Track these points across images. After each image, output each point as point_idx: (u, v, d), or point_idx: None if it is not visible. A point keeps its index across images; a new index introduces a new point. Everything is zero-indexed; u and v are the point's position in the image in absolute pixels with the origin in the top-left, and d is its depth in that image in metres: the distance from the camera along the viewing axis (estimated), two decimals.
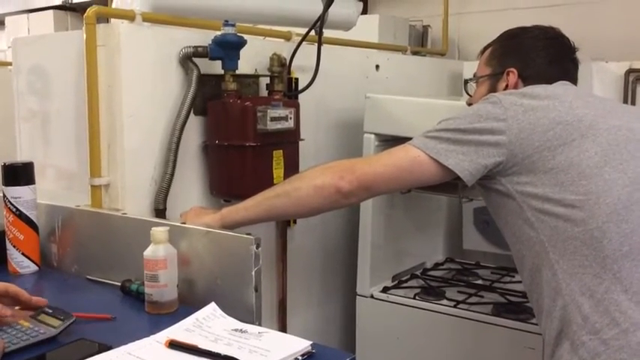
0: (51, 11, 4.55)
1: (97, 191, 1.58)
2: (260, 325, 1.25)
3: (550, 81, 1.46)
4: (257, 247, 1.24)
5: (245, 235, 1.25)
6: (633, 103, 2.55)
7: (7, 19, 4.91)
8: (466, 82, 1.64)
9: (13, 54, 1.88)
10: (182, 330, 1.09)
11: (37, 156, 1.77)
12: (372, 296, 2.11)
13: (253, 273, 1.24)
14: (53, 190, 1.75)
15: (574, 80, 1.53)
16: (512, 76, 1.50)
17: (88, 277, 1.51)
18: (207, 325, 1.12)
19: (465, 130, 1.33)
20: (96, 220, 1.53)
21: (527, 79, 1.49)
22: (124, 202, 1.58)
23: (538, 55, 1.50)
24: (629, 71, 2.54)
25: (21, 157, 1.83)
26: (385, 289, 2.12)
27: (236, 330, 1.10)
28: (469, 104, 1.62)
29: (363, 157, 1.47)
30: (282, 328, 2.04)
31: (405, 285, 2.19)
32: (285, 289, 2.03)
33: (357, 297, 2.13)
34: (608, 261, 1.24)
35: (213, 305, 1.19)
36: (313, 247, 2.17)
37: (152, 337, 1.07)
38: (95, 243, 1.52)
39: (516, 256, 1.42)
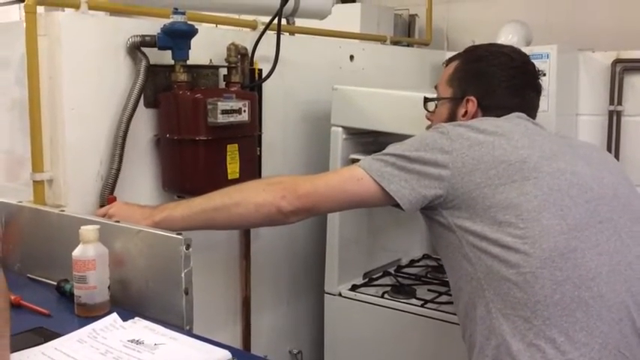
0: None
1: (39, 187, 1.52)
2: (191, 329, 1.20)
3: (509, 111, 1.43)
4: (187, 248, 1.18)
5: (175, 236, 1.20)
6: (620, 93, 2.48)
7: None
8: (426, 100, 1.59)
9: None
10: (74, 341, 1.03)
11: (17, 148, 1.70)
12: (340, 294, 2.04)
13: (183, 275, 1.18)
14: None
15: (535, 109, 1.51)
16: (472, 105, 1.47)
17: (29, 275, 1.47)
18: (103, 336, 1.06)
19: (410, 157, 1.32)
20: (36, 217, 1.48)
21: (486, 108, 1.46)
22: (68, 198, 1.51)
23: (500, 87, 1.47)
24: (616, 61, 2.47)
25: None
26: (354, 287, 2.06)
27: (132, 341, 1.04)
28: (429, 119, 1.59)
29: (308, 176, 1.44)
30: (247, 327, 1.98)
31: (375, 283, 2.12)
32: (249, 287, 1.97)
33: (325, 295, 2.07)
34: (539, 307, 1.22)
35: (114, 316, 1.14)
36: (281, 244, 2.10)
37: (39, 347, 1.01)
38: (36, 240, 1.47)
39: (453, 288, 1.40)
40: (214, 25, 1.99)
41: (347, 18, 2.81)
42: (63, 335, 1.09)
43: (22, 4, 4.43)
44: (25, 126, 1.56)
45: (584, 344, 1.20)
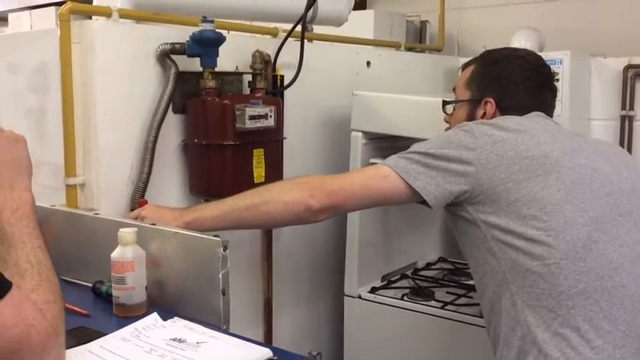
0: (53, 7, 4.55)
1: (72, 191, 1.56)
2: (227, 329, 1.23)
3: (527, 111, 1.47)
4: (224, 250, 1.21)
5: (212, 238, 1.23)
6: (632, 98, 2.51)
7: (10, 16, 4.91)
8: (444, 103, 1.63)
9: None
10: (118, 339, 1.06)
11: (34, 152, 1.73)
12: (359, 297, 2.08)
13: (220, 276, 1.22)
14: (51, 186, 1.71)
15: (551, 109, 1.55)
16: (490, 107, 1.51)
17: (63, 277, 1.49)
18: (146, 334, 1.09)
19: (435, 155, 1.36)
20: (69, 220, 1.51)
21: (504, 109, 1.50)
22: (100, 201, 1.55)
23: (517, 88, 1.51)
24: (628, 67, 2.50)
25: None
26: (373, 290, 2.09)
27: (174, 339, 1.07)
28: (447, 122, 1.63)
29: (335, 175, 1.49)
30: (268, 328, 2.02)
31: (394, 285, 2.15)
32: (271, 289, 2.00)
33: (345, 297, 2.10)
34: (563, 297, 1.25)
35: (154, 315, 1.17)
36: (301, 247, 2.14)
37: (84, 345, 1.04)
38: (69, 243, 1.50)
39: (478, 284, 1.44)
40: (226, 32, 2.01)
41: (360, 24, 2.83)
42: (105, 334, 1.13)
43: (33, 11, 4.39)
44: (41, 132, 1.59)
45: (607, 332, 1.24)
